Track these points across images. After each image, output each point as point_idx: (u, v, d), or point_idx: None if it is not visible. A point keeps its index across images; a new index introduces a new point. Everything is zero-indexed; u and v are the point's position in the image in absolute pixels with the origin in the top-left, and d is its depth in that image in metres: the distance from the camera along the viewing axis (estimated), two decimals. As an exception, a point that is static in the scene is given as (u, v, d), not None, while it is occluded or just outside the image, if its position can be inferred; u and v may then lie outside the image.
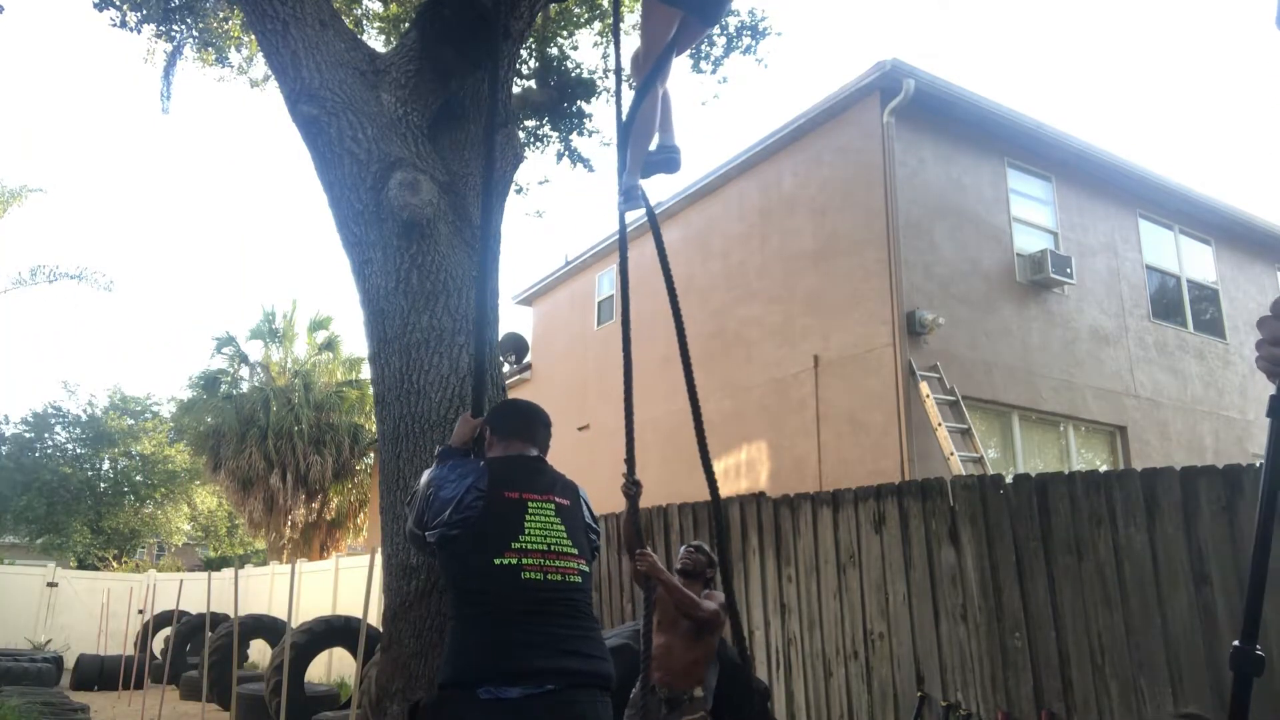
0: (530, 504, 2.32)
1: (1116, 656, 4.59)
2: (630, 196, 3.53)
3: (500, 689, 2.10)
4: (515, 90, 6.28)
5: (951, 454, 7.73)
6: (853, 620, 5.88)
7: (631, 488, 3.28)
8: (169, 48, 7.79)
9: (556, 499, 2.38)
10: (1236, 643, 1.39)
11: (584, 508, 2.50)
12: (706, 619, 3.82)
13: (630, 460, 3.18)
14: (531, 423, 2.62)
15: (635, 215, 3.68)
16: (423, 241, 3.75)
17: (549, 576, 2.23)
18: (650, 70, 3.34)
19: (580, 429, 13.08)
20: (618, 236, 3.61)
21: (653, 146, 3.59)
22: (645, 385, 12.68)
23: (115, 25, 7.16)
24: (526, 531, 2.26)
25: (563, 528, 2.32)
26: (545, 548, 2.26)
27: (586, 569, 2.34)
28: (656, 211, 13.93)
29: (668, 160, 3.61)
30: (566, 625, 2.22)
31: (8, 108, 53.81)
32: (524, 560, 2.22)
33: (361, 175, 3.84)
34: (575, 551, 2.32)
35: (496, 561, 2.21)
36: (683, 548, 4.30)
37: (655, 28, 3.33)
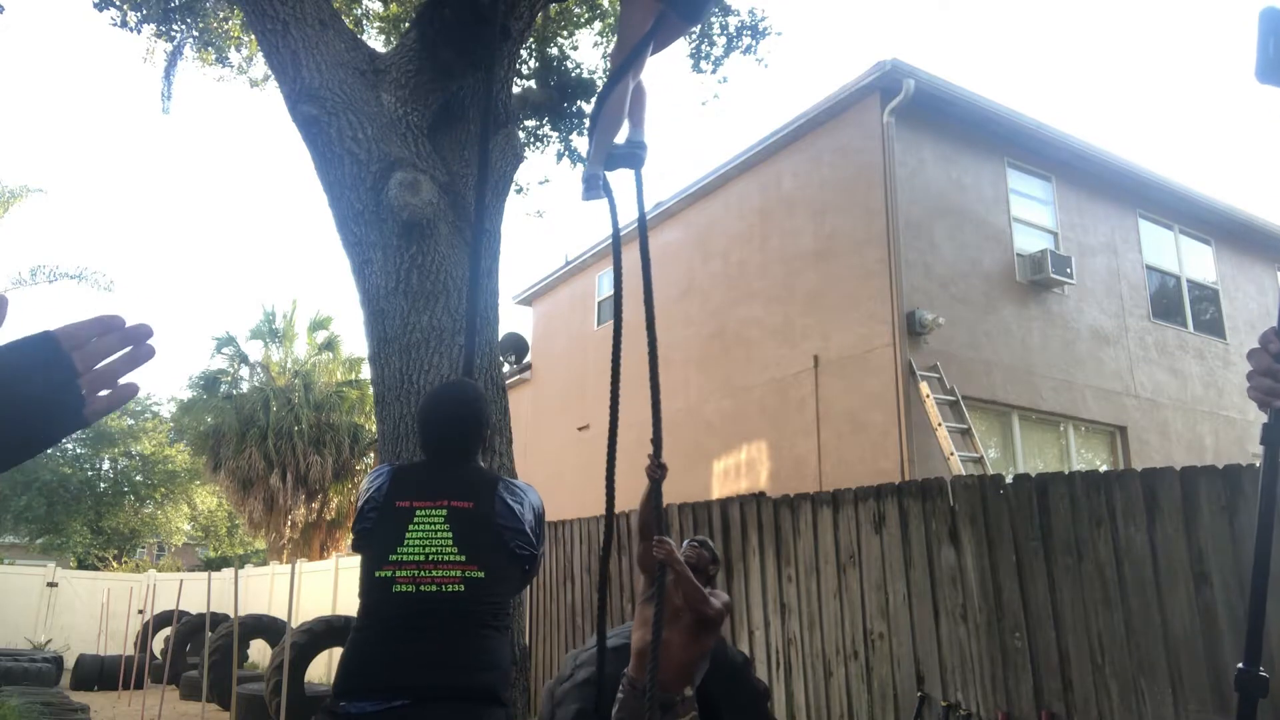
0: (418, 512, 2.26)
1: (1116, 656, 4.59)
2: (590, 186, 3.44)
3: (352, 704, 2.11)
4: (515, 90, 6.28)
5: (951, 454, 7.73)
6: (853, 620, 5.88)
7: (657, 471, 3.24)
8: (169, 48, 7.79)
9: (452, 503, 2.28)
10: (1241, 665, 1.41)
11: (499, 505, 2.31)
12: (712, 616, 3.76)
13: (657, 441, 3.12)
14: (438, 433, 2.46)
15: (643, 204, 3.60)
16: (423, 241, 3.75)
17: (422, 588, 2.17)
18: (622, 62, 3.30)
19: (580, 429, 13.08)
20: (636, 206, 3.52)
21: (622, 140, 3.50)
22: (642, 386, 12.70)
23: (115, 25, 7.17)
24: (406, 542, 2.21)
25: (449, 534, 2.23)
26: (423, 558, 2.20)
27: (479, 574, 2.20)
28: (657, 210, 13.78)
29: (631, 156, 3.48)
30: (438, 639, 2.17)
31: (8, 108, 53.81)
32: (398, 573, 2.19)
33: (361, 175, 3.84)
34: (461, 559, 2.21)
35: (376, 574, 2.21)
36: (686, 542, 4.23)
37: (633, 17, 3.30)
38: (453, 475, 2.38)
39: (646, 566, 3.60)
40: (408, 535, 2.22)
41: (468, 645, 2.19)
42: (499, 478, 2.45)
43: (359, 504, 2.37)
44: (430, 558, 2.20)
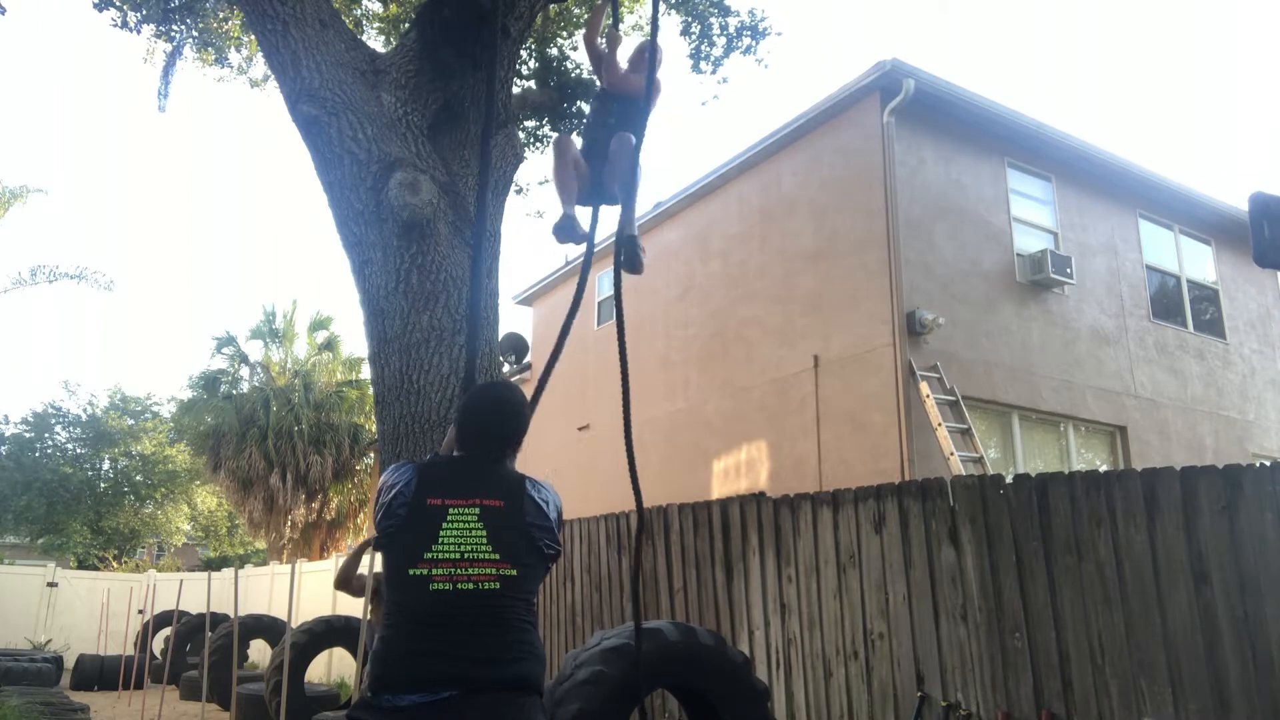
0: (451, 510, 2.28)
1: (1116, 656, 4.59)
2: (567, 230, 3.61)
3: (397, 696, 2.14)
4: (515, 90, 6.28)
5: (951, 454, 7.73)
6: (853, 620, 5.88)
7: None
8: (169, 48, 7.79)
9: (484, 502, 2.31)
10: None
11: (527, 504, 2.37)
12: None
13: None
14: (481, 431, 2.50)
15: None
16: (423, 241, 3.75)
17: (459, 585, 2.21)
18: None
19: (580, 429, 13.08)
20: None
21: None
22: (645, 385, 12.71)
23: (115, 25, 7.17)
24: (440, 540, 2.24)
25: (483, 532, 2.27)
26: (458, 556, 2.24)
27: (512, 572, 2.26)
28: (657, 210, 13.72)
29: (633, 258, 3.59)
30: (476, 633, 2.21)
31: (8, 108, 53.83)
32: (434, 571, 2.22)
33: (361, 175, 3.84)
34: (496, 557, 2.26)
35: (410, 572, 2.23)
36: None
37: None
38: (482, 474, 2.42)
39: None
40: (441, 534, 2.25)
41: (506, 639, 2.25)
42: (525, 476, 2.47)
43: (384, 499, 2.36)
44: (466, 556, 2.24)
